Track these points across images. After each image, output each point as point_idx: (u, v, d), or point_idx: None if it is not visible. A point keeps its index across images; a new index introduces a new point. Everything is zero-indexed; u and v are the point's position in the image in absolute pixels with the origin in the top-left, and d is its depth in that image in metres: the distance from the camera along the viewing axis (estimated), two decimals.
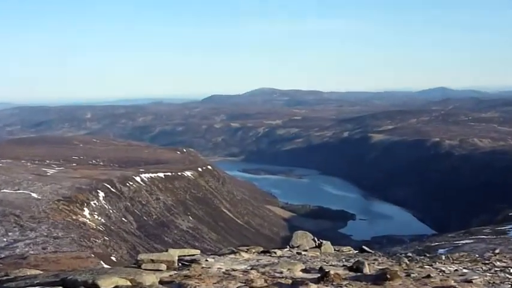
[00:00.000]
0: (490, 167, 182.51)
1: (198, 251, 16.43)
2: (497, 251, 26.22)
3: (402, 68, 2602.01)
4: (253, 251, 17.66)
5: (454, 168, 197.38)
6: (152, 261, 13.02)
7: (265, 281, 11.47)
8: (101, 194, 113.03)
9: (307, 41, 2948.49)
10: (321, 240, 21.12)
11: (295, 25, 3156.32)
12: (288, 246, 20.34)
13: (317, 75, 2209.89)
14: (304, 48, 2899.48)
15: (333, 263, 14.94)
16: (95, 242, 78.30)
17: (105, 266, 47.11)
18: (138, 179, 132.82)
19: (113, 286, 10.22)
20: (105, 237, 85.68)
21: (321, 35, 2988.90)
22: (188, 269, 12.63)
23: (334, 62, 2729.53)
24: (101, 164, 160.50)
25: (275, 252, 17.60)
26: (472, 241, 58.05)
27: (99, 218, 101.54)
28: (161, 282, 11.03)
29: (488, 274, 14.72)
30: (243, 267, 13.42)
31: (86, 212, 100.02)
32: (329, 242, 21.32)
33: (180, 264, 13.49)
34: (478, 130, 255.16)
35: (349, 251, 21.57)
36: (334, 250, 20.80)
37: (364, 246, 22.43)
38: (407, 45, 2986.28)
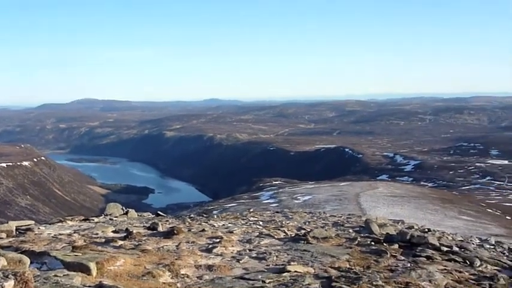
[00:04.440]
0: (247, 153, 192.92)
1: (33, 222, 15.46)
2: (251, 210, 27.73)
3: (187, 82, 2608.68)
4: (77, 219, 16.95)
5: (223, 154, 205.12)
6: None
7: (85, 241, 11.19)
8: None
9: (119, 56, 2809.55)
10: (128, 209, 20.84)
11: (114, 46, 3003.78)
12: (103, 215, 19.82)
13: (128, 87, 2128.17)
14: (115, 62, 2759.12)
15: (136, 225, 14.88)
16: None
17: None
18: None
19: None
20: None
21: (127, 52, 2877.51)
22: (24, 236, 11.87)
23: (138, 76, 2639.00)
24: None
25: (93, 219, 17.04)
26: (235, 204, 60.40)
27: None
28: (1, 247, 10.30)
29: (244, 226, 15.58)
30: (67, 231, 12.88)
31: None
32: (133, 210, 21.04)
33: (17, 232, 12.62)
34: (239, 127, 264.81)
35: (149, 215, 21.49)
36: (138, 215, 20.63)
37: (159, 212, 22.53)
38: (189, 63, 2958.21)
